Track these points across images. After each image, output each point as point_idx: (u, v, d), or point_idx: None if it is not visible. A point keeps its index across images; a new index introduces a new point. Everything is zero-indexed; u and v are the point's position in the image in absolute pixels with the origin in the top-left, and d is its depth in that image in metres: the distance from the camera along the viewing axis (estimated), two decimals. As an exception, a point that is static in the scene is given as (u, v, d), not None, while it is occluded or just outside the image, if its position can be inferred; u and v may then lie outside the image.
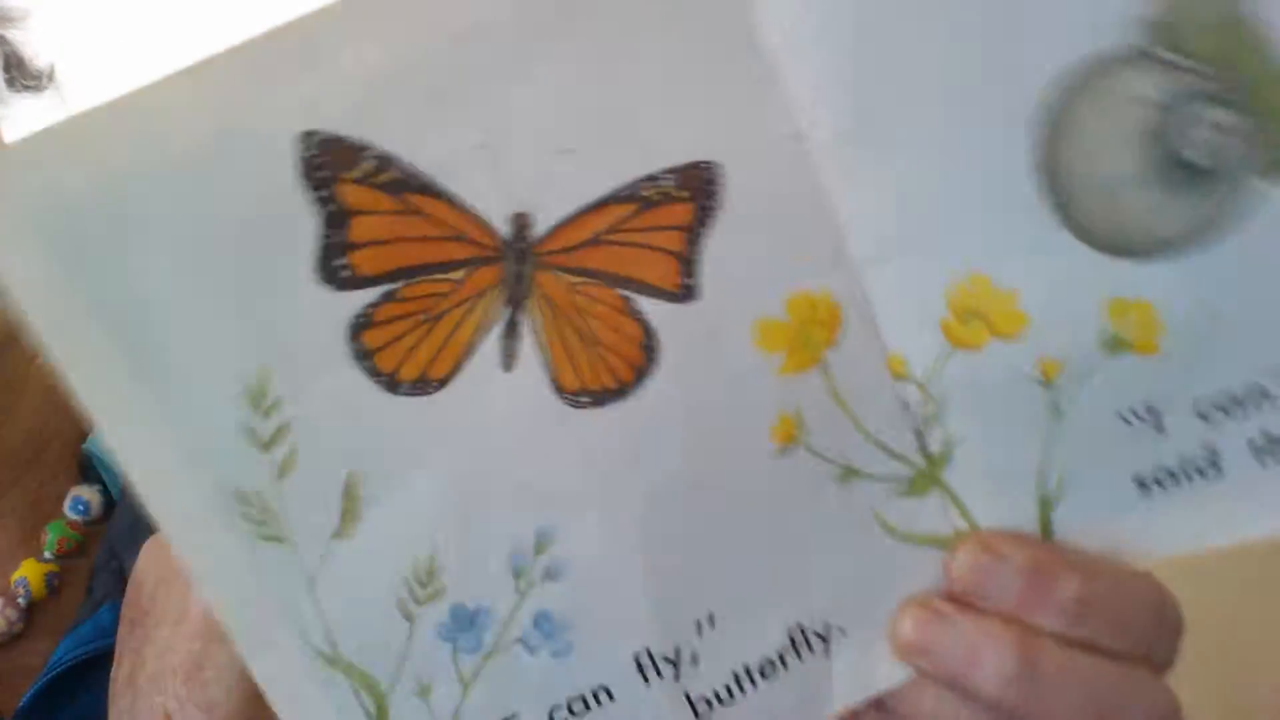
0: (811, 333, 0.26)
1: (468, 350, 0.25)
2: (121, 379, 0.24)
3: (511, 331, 0.25)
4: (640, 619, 0.27)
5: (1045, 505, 0.27)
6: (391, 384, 0.25)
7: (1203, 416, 0.26)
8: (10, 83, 0.48)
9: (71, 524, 0.47)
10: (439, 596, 0.26)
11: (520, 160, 0.24)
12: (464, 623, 0.26)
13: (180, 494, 0.24)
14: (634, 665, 0.27)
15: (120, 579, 0.45)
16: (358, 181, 0.24)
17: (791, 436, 0.27)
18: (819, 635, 0.28)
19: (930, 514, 0.28)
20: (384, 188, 0.24)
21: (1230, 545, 0.26)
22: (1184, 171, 0.25)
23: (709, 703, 0.28)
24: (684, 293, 0.26)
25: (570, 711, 0.27)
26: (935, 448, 0.27)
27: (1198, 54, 0.24)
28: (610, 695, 0.27)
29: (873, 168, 0.25)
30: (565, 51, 0.24)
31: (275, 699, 0.26)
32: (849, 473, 0.27)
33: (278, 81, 0.23)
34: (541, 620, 0.26)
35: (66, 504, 0.47)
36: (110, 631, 0.37)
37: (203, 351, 0.24)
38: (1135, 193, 0.25)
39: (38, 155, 0.23)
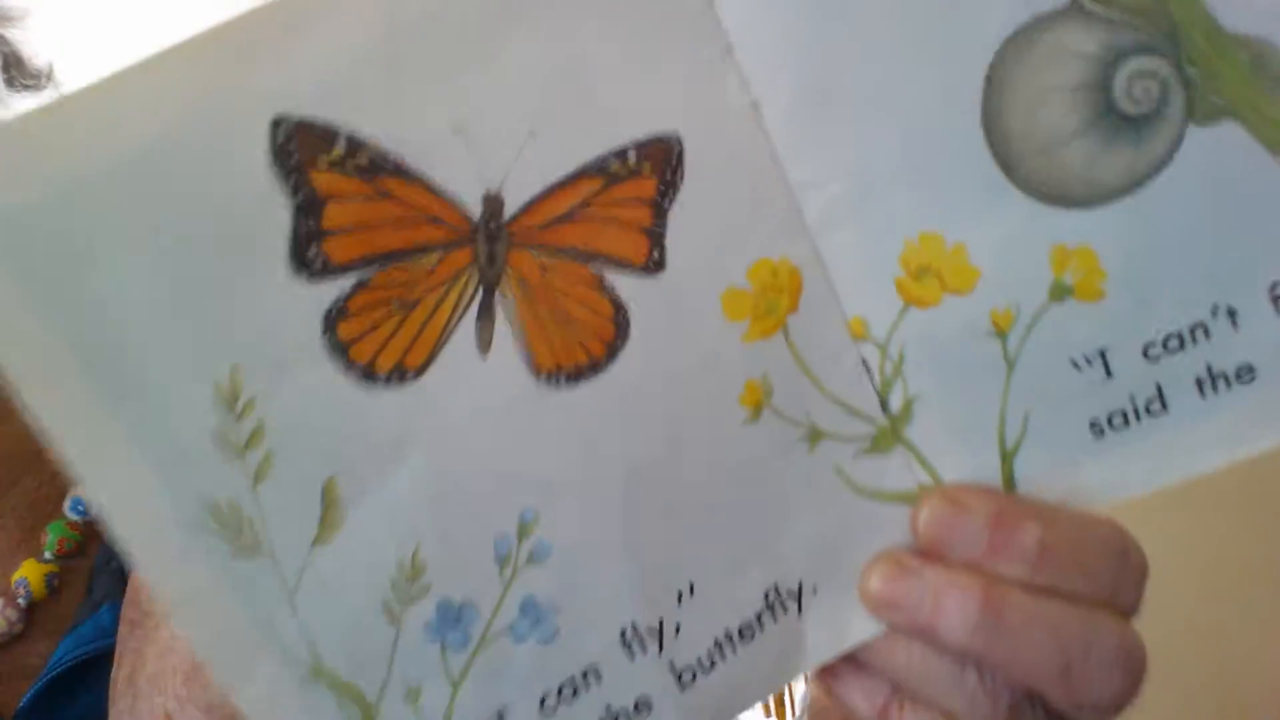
0: (773, 300, 0.27)
1: (443, 336, 0.25)
2: (76, 384, 0.22)
3: (486, 314, 0.25)
4: (624, 594, 0.27)
5: (1006, 457, 0.28)
6: (368, 375, 0.24)
7: (1149, 357, 0.27)
8: (9, 82, 0.47)
9: (71, 524, 0.47)
10: (424, 594, 0.25)
11: (490, 140, 0.24)
12: (451, 618, 0.26)
13: (149, 512, 0.23)
14: (620, 641, 0.27)
15: (120, 579, 0.45)
16: (330, 167, 0.23)
17: (759, 402, 0.27)
18: (793, 594, 0.28)
19: (895, 471, 0.28)
20: (356, 172, 0.23)
21: (1180, 482, 0.27)
22: (1120, 120, 0.25)
23: (693, 673, 0.28)
24: (652, 266, 0.26)
25: (560, 696, 0.27)
26: (897, 405, 0.28)
27: (1128, 4, 0.25)
28: (599, 675, 0.27)
29: (826, 133, 0.26)
30: (529, 29, 0.24)
31: None
32: (815, 434, 0.28)
33: (244, 68, 0.22)
34: (528, 606, 0.26)
35: (66, 504, 0.47)
36: (110, 631, 0.37)
37: (170, 353, 0.23)
38: (1075, 144, 0.25)
39: None
